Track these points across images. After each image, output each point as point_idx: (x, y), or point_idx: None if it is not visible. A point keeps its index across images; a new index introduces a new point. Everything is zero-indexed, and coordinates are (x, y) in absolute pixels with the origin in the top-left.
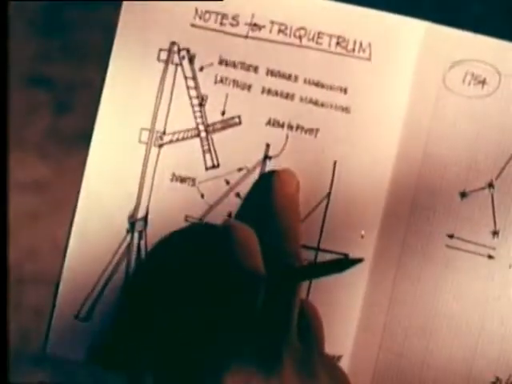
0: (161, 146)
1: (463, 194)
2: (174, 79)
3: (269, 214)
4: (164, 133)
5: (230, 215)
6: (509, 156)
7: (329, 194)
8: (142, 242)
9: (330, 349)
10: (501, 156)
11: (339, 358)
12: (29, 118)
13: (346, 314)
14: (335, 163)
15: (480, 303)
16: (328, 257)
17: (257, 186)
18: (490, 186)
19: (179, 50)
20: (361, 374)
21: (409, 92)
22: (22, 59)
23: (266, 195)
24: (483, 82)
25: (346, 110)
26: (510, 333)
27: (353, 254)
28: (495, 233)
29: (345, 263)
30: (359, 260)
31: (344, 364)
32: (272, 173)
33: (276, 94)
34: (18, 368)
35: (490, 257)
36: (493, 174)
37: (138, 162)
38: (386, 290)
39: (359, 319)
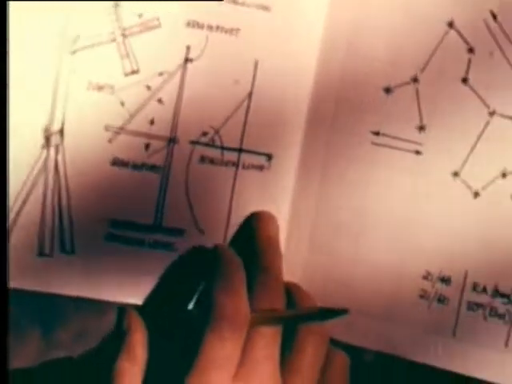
0: (74, 52)
1: (387, 90)
2: None
3: (251, 256)
4: (77, 38)
5: (152, 122)
6: (433, 49)
7: (250, 94)
8: (60, 157)
9: None
10: (425, 49)
11: None
12: None
13: None
14: (256, 63)
15: (409, 199)
16: (252, 158)
17: (239, 230)
18: (415, 80)
19: None
20: (290, 275)
21: None
22: None
23: (248, 238)
24: None
25: (266, 8)
26: (439, 228)
27: (277, 155)
28: (421, 128)
29: (328, 313)
30: (344, 311)
31: None
32: (253, 215)
33: None
34: None
35: (418, 152)
36: (417, 68)
37: (49, 70)
38: (313, 191)
39: (287, 222)
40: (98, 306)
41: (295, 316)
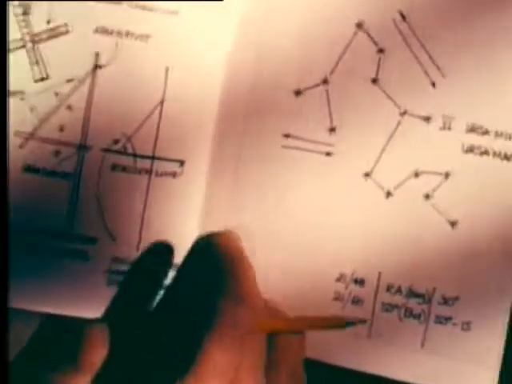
0: None
1: (297, 92)
2: None
3: (218, 269)
4: None
5: (62, 129)
6: (342, 50)
7: (162, 102)
8: None
9: None
10: (334, 51)
11: None
12: None
13: (184, 229)
14: (167, 69)
15: (321, 200)
16: (165, 164)
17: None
18: (325, 81)
19: None
20: None
21: None
22: None
23: (208, 252)
24: None
25: (174, 13)
26: (351, 229)
27: (189, 160)
28: (332, 129)
29: (349, 323)
30: (363, 321)
31: None
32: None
33: None
34: None
35: (328, 154)
36: (327, 69)
37: None
38: (225, 196)
39: (200, 228)
40: (22, 314)
41: (321, 324)
